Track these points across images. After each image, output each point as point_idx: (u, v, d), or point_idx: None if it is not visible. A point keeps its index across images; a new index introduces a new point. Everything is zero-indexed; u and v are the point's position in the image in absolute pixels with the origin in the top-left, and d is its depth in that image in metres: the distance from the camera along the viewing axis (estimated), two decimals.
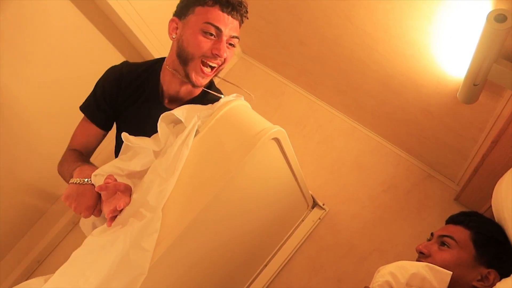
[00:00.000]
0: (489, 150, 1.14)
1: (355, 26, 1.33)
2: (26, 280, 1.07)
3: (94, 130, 1.26)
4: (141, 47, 1.94)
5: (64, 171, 1.17)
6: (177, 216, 1.00)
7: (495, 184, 1.03)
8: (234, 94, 1.16)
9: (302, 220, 1.75)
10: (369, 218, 1.71)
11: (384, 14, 1.18)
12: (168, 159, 1.03)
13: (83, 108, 1.26)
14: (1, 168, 1.79)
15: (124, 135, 1.07)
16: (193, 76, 1.13)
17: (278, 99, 2.15)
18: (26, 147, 1.85)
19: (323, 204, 1.76)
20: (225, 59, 1.13)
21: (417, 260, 1.02)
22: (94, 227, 1.15)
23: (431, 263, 0.92)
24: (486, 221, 1.04)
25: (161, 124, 1.08)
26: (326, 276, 1.66)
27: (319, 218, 1.75)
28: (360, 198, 1.76)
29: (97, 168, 1.07)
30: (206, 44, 1.09)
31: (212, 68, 1.13)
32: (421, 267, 0.90)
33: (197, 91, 1.25)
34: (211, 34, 1.09)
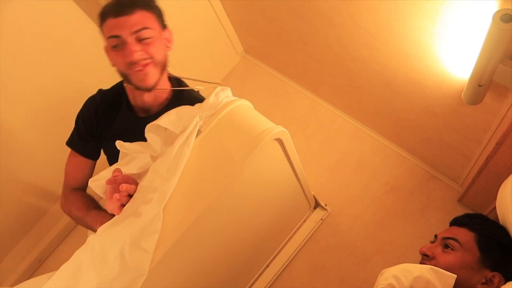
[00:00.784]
0: (493, 151, 1.13)
1: (359, 25, 1.32)
2: (28, 279, 1.07)
3: (85, 162, 1.29)
4: None
5: (77, 217, 1.19)
6: (179, 216, 1.00)
7: (499, 186, 1.02)
8: (219, 88, 1.16)
9: (304, 221, 1.75)
10: (371, 219, 1.70)
11: (387, 14, 1.17)
12: (169, 159, 1.02)
13: (69, 143, 1.30)
14: (2, 166, 1.79)
15: (119, 143, 1.07)
16: (139, 83, 1.13)
17: (281, 99, 2.14)
18: (27, 147, 1.86)
19: (325, 205, 1.75)
20: (151, 56, 1.10)
21: (421, 263, 1.01)
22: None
23: (435, 266, 0.91)
24: (491, 224, 1.03)
25: (149, 134, 1.07)
26: (328, 277, 1.65)
27: (321, 219, 1.74)
28: (363, 199, 1.75)
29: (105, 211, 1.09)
30: (119, 57, 1.09)
31: (145, 64, 1.10)
32: (425, 270, 0.89)
33: (163, 94, 1.24)
34: (117, 45, 1.08)
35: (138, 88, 1.15)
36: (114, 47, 1.08)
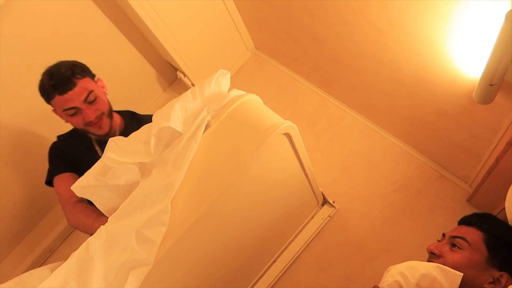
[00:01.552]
0: (503, 151, 1.12)
1: (370, 23, 1.32)
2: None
3: (74, 176, 1.35)
4: (158, 46, 1.94)
5: (86, 225, 1.24)
6: (186, 209, 1.01)
7: (508, 187, 1.01)
8: (219, 72, 1.15)
9: (312, 217, 1.75)
10: (379, 217, 1.70)
11: (399, 12, 1.17)
12: (176, 152, 1.03)
13: (51, 174, 1.39)
14: (2, 166, 1.83)
15: (108, 158, 1.05)
16: (97, 132, 1.35)
17: (290, 96, 2.14)
18: (27, 147, 1.88)
19: (333, 202, 1.76)
20: (102, 111, 1.32)
21: (428, 261, 1.01)
22: None
23: (442, 264, 0.91)
24: (499, 224, 1.03)
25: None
26: (334, 274, 1.65)
27: (329, 216, 1.75)
28: (371, 197, 1.75)
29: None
30: (78, 120, 1.30)
31: (99, 119, 1.32)
32: (432, 268, 0.89)
33: (105, 124, 1.36)
34: (75, 113, 1.28)
35: (96, 136, 1.38)
36: (72, 115, 1.28)
